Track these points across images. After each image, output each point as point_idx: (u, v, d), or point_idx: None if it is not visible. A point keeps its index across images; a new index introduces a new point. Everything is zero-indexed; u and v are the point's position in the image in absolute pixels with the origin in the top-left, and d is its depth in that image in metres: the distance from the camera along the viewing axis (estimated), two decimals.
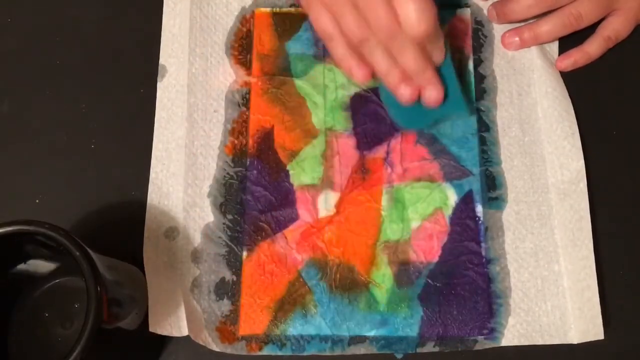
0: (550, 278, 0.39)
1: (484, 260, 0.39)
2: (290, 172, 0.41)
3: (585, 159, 0.41)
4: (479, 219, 0.40)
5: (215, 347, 0.38)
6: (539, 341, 0.38)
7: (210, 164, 0.41)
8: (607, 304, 0.39)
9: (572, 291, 0.38)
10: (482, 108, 0.42)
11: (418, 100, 0.38)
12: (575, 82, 0.43)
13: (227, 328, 0.38)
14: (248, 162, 0.41)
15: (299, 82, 0.43)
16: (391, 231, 0.40)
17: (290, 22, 0.44)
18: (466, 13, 0.44)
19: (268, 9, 0.44)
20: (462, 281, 0.39)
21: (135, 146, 0.42)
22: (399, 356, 0.38)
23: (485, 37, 0.44)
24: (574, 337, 0.37)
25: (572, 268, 0.39)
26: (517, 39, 0.42)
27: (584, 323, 0.37)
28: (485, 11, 0.44)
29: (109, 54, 0.44)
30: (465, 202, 0.40)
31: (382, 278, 0.39)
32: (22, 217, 0.31)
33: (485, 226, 0.40)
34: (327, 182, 0.41)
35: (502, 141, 0.41)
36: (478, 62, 0.43)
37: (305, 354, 0.38)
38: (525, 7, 0.42)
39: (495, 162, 0.41)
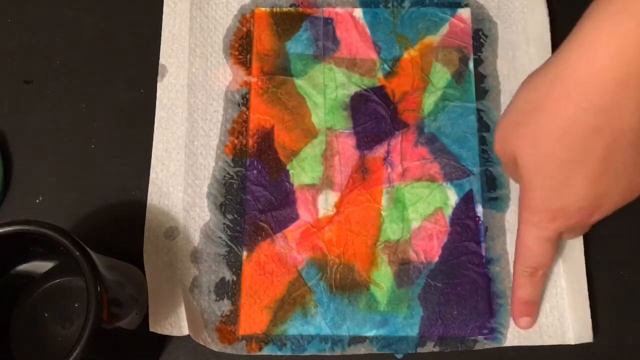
0: (550, 279, 0.39)
1: (484, 260, 0.39)
2: (290, 172, 0.41)
3: None
4: (479, 219, 0.40)
5: (215, 347, 0.38)
6: (538, 342, 0.38)
7: (210, 164, 0.41)
8: (608, 304, 0.39)
9: (569, 292, 0.38)
10: (483, 108, 0.42)
11: None
12: None
13: (227, 328, 0.38)
14: (248, 162, 0.41)
15: (298, 82, 0.43)
16: (391, 231, 0.40)
17: (290, 22, 0.44)
18: (466, 13, 0.44)
19: (268, 9, 0.44)
20: (463, 281, 0.39)
21: (135, 146, 0.42)
22: (399, 356, 0.38)
23: (486, 36, 0.44)
24: (572, 338, 0.38)
25: (568, 269, 0.39)
26: (526, 318, 0.38)
27: (579, 325, 0.38)
28: (486, 10, 0.44)
29: (109, 54, 0.44)
30: (466, 202, 0.40)
31: (382, 278, 0.39)
32: (22, 217, 0.31)
33: (486, 226, 0.40)
34: (327, 182, 0.41)
35: None
36: (478, 62, 0.43)
37: (305, 354, 0.38)
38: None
39: (495, 162, 0.41)
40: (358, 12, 0.44)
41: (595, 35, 0.29)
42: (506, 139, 0.34)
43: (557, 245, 0.36)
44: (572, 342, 0.37)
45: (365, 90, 0.43)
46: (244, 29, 0.44)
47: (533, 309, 0.38)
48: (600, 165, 0.31)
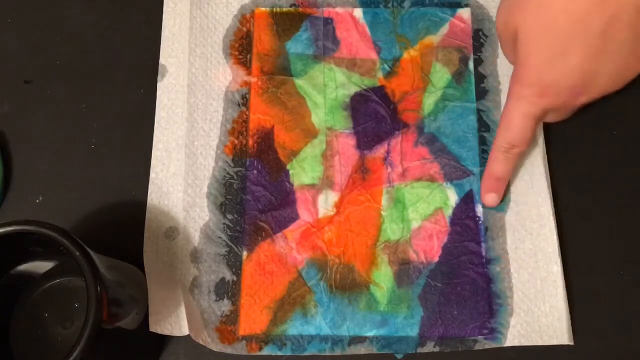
0: (549, 279, 0.39)
1: (484, 260, 0.39)
2: (290, 172, 0.41)
3: (582, 160, 0.41)
4: (479, 219, 0.40)
5: (215, 347, 0.38)
6: (538, 342, 0.38)
7: (210, 164, 0.41)
8: (609, 305, 0.39)
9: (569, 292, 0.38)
10: (483, 108, 0.42)
11: None
12: None
13: (227, 328, 0.38)
14: (248, 162, 0.41)
15: (298, 82, 0.43)
16: (391, 231, 0.40)
17: (290, 22, 0.44)
18: (466, 13, 0.44)
19: (268, 9, 0.44)
20: (463, 281, 0.39)
21: (135, 146, 0.42)
22: (399, 356, 0.38)
23: (486, 36, 0.44)
24: (572, 338, 0.37)
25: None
26: (492, 194, 0.39)
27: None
28: (486, 10, 0.44)
29: (109, 54, 0.44)
30: (466, 202, 0.40)
31: (382, 278, 0.39)
32: (22, 217, 0.31)
33: (485, 226, 0.40)
34: (327, 182, 0.41)
35: None
36: (478, 62, 0.43)
37: (305, 354, 0.38)
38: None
39: None
40: (358, 12, 0.44)
41: None
42: (509, 12, 0.34)
43: (538, 125, 0.37)
44: (572, 342, 0.37)
45: (365, 90, 0.43)
46: (244, 29, 0.44)
47: (501, 185, 0.39)
48: (598, 41, 0.31)
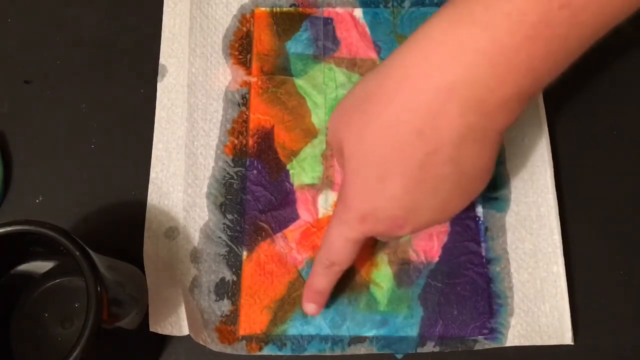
0: (549, 279, 0.39)
1: (484, 260, 0.39)
2: (290, 172, 0.41)
3: (581, 159, 0.41)
4: (479, 219, 0.40)
5: (215, 347, 0.38)
6: (538, 342, 0.38)
7: (210, 164, 0.41)
8: (609, 305, 0.39)
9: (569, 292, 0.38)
10: None
11: None
12: (577, 83, 0.43)
13: (227, 328, 0.38)
14: (248, 162, 0.41)
15: (298, 82, 0.43)
16: None
17: (290, 22, 0.44)
18: None
19: (268, 9, 0.44)
20: (463, 281, 0.39)
21: (135, 146, 0.42)
22: (399, 356, 0.38)
23: None
24: (572, 338, 0.37)
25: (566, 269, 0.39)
26: (312, 305, 0.37)
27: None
28: None
29: (109, 54, 0.44)
30: None
31: (382, 278, 0.39)
32: (22, 217, 0.31)
33: (486, 226, 0.40)
34: (327, 182, 0.41)
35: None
36: None
37: (305, 354, 0.38)
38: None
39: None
40: (358, 12, 0.44)
41: (433, 35, 0.28)
42: (337, 123, 0.32)
43: (361, 246, 0.35)
44: (572, 342, 0.37)
45: None
46: (244, 29, 0.44)
47: (322, 298, 0.37)
48: (418, 173, 0.29)
